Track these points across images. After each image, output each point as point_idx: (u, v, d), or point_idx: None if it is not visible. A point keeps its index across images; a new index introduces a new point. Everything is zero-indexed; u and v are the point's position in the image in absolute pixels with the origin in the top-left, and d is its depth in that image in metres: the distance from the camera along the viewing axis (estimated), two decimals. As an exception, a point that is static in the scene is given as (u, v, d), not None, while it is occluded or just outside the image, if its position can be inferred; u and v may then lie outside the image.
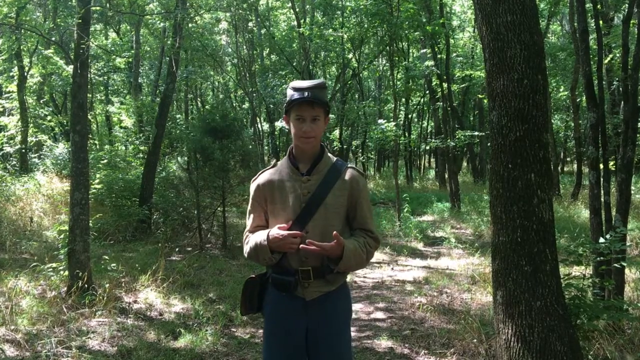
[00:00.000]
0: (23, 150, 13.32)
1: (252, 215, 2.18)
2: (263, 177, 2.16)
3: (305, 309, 2.06)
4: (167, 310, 4.96)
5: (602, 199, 4.57)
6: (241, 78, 18.99)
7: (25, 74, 13.98)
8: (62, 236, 5.35)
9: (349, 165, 2.18)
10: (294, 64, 18.23)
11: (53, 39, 10.68)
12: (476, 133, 13.58)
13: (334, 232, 1.97)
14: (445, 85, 13.98)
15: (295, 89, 2.06)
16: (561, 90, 19.17)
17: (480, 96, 16.94)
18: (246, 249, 2.14)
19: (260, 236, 2.06)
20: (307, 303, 2.06)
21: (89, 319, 4.46)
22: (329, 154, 2.18)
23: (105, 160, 11.67)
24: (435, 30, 11.80)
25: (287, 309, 2.08)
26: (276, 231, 2.00)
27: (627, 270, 5.09)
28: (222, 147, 8.11)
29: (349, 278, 6.59)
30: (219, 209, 8.43)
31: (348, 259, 2.00)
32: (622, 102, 4.71)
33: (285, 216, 2.07)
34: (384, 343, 4.21)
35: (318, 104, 2.04)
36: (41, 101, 16.94)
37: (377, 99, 22.78)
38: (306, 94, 2.03)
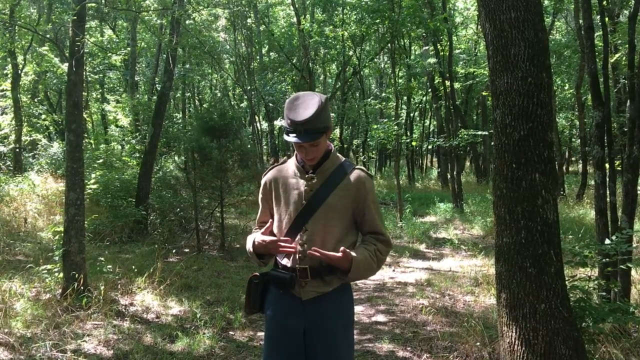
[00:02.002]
0: (17, 150, 13.32)
1: (260, 209, 2.30)
2: (271, 173, 2.24)
3: (302, 309, 2.08)
4: (164, 312, 4.97)
5: (608, 200, 4.57)
6: (240, 76, 18.99)
7: (19, 71, 13.98)
8: (57, 237, 5.35)
9: (357, 167, 2.18)
10: (294, 61, 18.23)
11: (48, 36, 10.68)
12: (479, 132, 13.55)
13: (342, 247, 1.99)
14: (447, 83, 13.98)
15: (291, 122, 1.98)
16: (566, 88, 19.17)
17: (484, 93, 16.93)
18: (247, 246, 2.26)
19: (249, 241, 2.19)
20: (304, 303, 2.08)
21: (84, 321, 4.46)
22: (337, 154, 2.19)
23: (101, 160, 11.69)
24: (437, 27, 11.81)
25: (285, 309, 2.11)
26: (259, 237, 2.11)
27: (633, 272, 5.08)
28: (220, 147, 8.11)
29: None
30: (217, 209, 8.43)
31: (357, 270, 2.02)
32: (628, 101, 4.71)
33: (287, 213, 2.13)
34: (385, 346, 4.21)
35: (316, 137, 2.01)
36: (35, 99, 16.95)
37: (378, 97, 22.77)
38: (301, 131, 1.96)
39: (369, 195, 2.13)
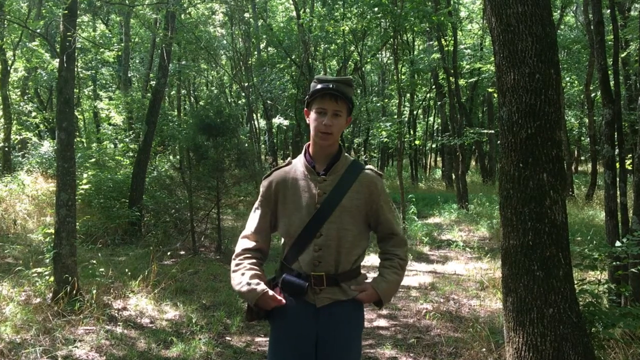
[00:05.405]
0: (6, 149, 13.32)
1: (257, 213, 2.18)
2: (277, 174, 2.17)
3: (315, 316, 2.07)
4: (158, 317, 4.97)
5: (619, 200, 4.57)
6: (237, 72, 18.99)
7: (9, 67, 13.97)
8: (47, 239, 5.34)
9: (367, 167, 2.19)
10: (293, 57, 18.23)
11: (38, 30, 10.66)
12: (485, 130, 13.57)
13: (352, 287, 2.09)
14: (452, 79, 13.98)
15: (320, 81, 2.10)
16: (575, 85, 19.18)
17: (489, 90, 16.95)
18: (233, 277, 2.11)
19: (246, 287, 2.04)
20: (318, 310, 2.07)
21: (76, 326, 4.46)
22: (347, 155, 2.20)
23: (93, 159, 11.67)
24: (441, 21, 11.80)
25: (297, 315, 2.08)
26: (267, 298, 2.02)
27: (644, 276, 5.08)
28: (216, 145, 8.11)
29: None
30: (213, 210, 8.43)
31: (389, 295, 2.15)
32: (639, 98, 4.72)
33: (298, 217, 2.08)
34: (387, 352, 4.22)
35: (342, 98, 2.07)
36: (25, 97, 16.95)
37: (380, 94, 22.77)
38: (331, 85, 2.07)
39: (381, 196, 2.14)
